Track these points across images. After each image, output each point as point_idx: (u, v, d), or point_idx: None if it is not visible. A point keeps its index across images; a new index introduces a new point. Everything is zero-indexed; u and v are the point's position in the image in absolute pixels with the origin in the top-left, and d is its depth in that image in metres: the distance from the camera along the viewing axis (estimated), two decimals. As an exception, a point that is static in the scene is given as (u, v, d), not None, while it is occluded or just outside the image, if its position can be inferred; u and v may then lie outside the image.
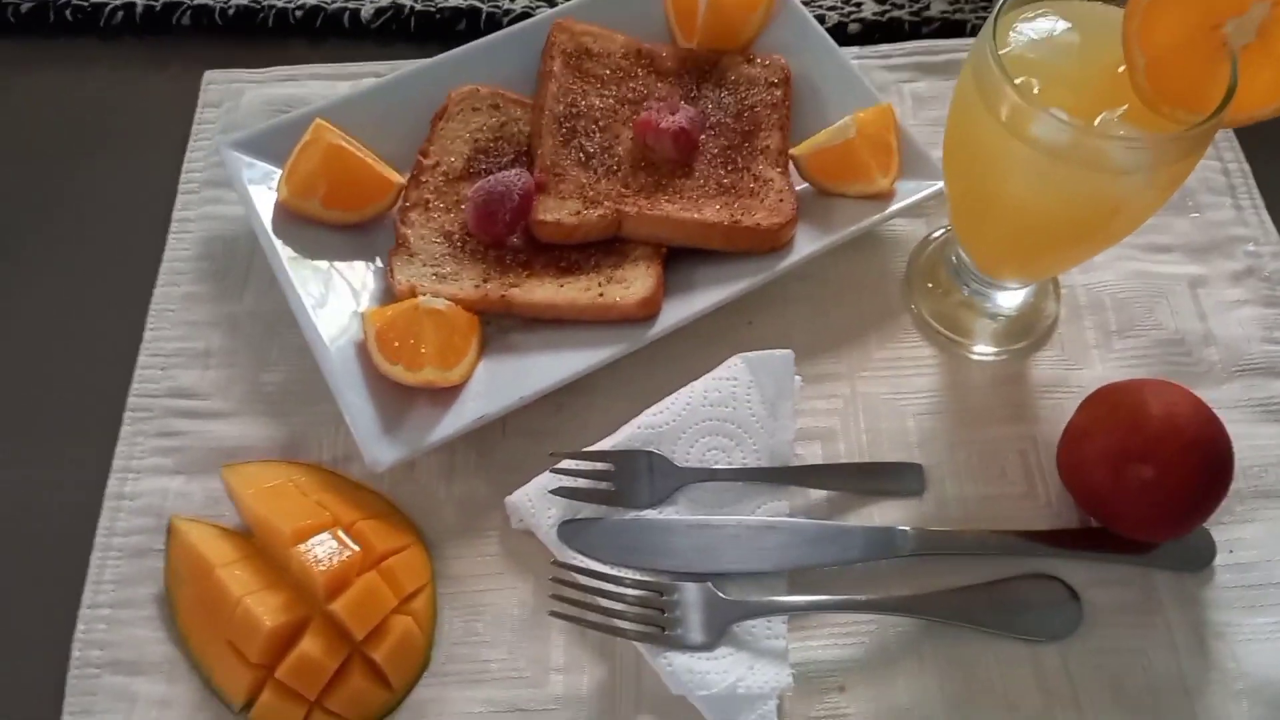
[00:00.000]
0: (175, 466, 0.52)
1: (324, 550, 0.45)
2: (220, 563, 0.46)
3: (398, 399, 0.51)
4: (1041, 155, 0.43)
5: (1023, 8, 0.46)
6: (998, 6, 0.44)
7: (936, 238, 0.59)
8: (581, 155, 0.58)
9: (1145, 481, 0.45)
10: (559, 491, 0.49)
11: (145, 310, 0.57)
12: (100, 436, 0.53)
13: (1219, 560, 0.49)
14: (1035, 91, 0.44)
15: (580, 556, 0.48)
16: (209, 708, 0.46)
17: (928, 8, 0.68)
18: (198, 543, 0.47)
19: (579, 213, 0.56)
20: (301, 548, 0.45)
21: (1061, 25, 0.46)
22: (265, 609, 0.44)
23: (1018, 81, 0.42)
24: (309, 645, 0.44)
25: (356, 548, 0.46)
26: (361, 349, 0.53)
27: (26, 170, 0.64)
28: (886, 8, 0.68)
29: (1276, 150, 0.61)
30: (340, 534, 0.47)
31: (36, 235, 0.61)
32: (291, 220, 0.57)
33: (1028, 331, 0.56)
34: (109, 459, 0.53)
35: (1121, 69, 0.43)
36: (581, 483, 0.50)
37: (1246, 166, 0.61)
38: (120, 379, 0.55)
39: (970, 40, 0.66)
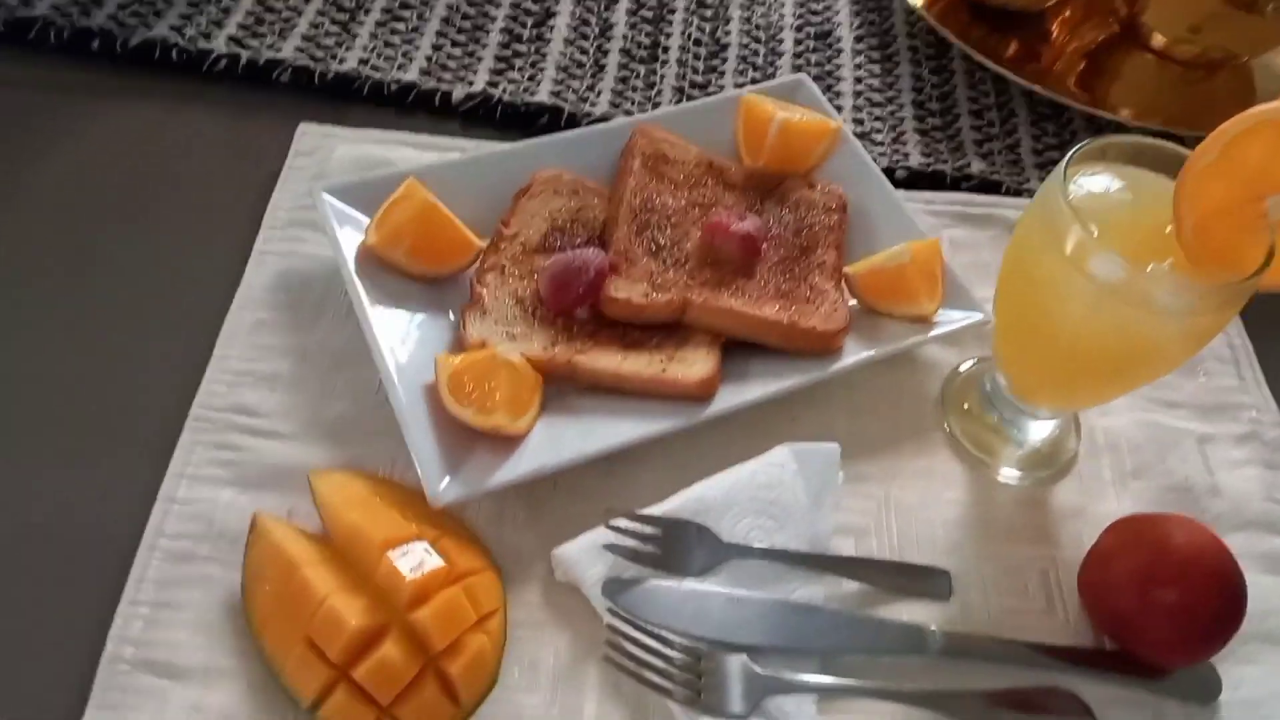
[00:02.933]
0: (229, 479, 0.53)
1: (411, 560, 0.46)
2: (306, 561, 0.47)
3: (460, 442, 0.53)
4: (1097, 289, 0.47)
5: (1084, 164, 0.51)
6: (1065, 159, 0.49)
7: (970, 366, 0.63)
8: (653, 245, 0.62)
9: (1169, 605, 0.48)
10: (611, 548, 0.51)
11: (218, 331, 0.59)
12: (160, 444, 0.54)
13: (1225, 696, 0.52)
14: (1094, 235, 0.49)
15: (628, 615, 0.49)
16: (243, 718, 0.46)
17: (968, 165, 0.75)
18: (283, 540, 0.48)
19: (648, 294, 0.59)
20: (391, 555, 0.46)
21: (1116, 184, 0.51)
22: (350, 610, 0.45)
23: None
24: (390, 650, 0.44)
25: (441, 562, 0.47)
26: (429, 391, 0.55)
27: (120, 191, 0.67)
28: (931, 160, 0.75)
29: (1273, 328, 0.67)
30: (427, 547, 0.48)
31: (122, 254, 0.63)
32: (373, 264, 0.59)
33: (1051, 462, 0.60)
34: (164, 466, 0.53)
35: (1168, 229, 0.48)
36: (631, 543, 0.51)
37: (1249, 342, 0.67)
38: (186, 392, 0.56)
39: (1006, 199, 0.73)
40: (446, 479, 0.51)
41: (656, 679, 0.47)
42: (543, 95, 0.75)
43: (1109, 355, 0.51)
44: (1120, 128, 0.80)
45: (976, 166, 0.75)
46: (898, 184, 0.73)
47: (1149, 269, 0.48)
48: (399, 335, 0.57)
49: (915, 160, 0.75)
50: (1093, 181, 0.51)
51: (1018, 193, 0.73)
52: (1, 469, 0.53)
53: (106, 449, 0.54)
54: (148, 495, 0.52)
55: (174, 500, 0.52)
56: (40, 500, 0.52)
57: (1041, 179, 0.65)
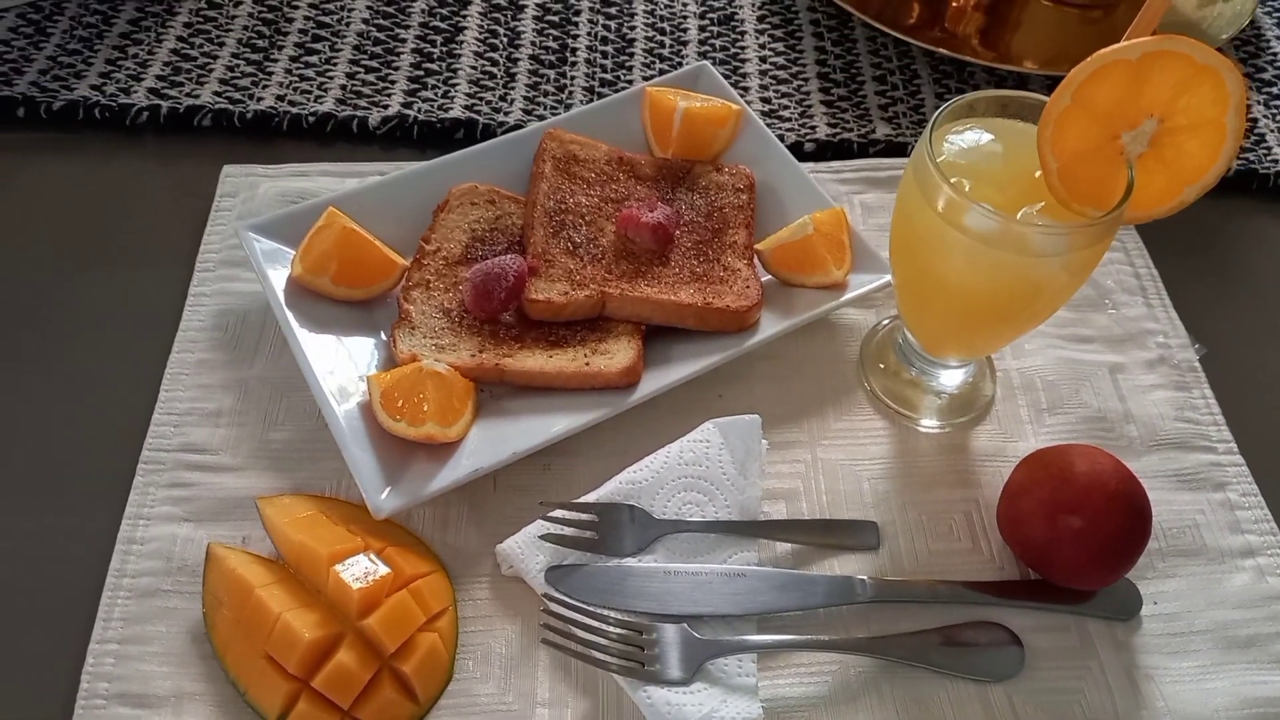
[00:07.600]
0: (185, 515, 0.56)
1: (358, 571, 0.50)
2: (259, 584, 0.50)
3: (398, 455, 0.56)
4: (974, 242, 0.50)
5: (953, 122, 0.54)
6: (933, 120, 0.52)
7: (885, 325, 0.66)
8: (569, 245, 0.65)
9: (1075, 530, 0.51)
10: (547, 538, 0.53)
11: (161, 375, 0.62)
12: (114, 489, 0.57)
13: (1145, 610, 0.55)
14: (967, 189, 0.51)
15: (566, 598, 0.52)
16: (213, 738, 0.49)
17: (874, 131, 0.77)
18: (236, 566, 0.51)
19: (567, 293, 0.62)
20: (338, 568, 0.49)
21: (986, 137, 0.54)
22: (303, 624, 0.48)
23: (952, 181, 0.50)
24: (344, 657, 0.48)
25: (387, 569, 0.50)
26: (365, 410, 0.57)
27: (55, 247, 0.69)
28: (837, 130, 0.77)
29: (1179, 254, 0.70)
30: (372, 557, 0.51)
31: (62, 306, 0.66)
32: (303, 295, 0.62)
33: (968, 408, 0.63)
34: (121, 509, 0.56)
35: (1038, 173, 0.51)
36: (568, 531, 0.54)
37: (1155, 270, 0.69)
38: (135, 436, 0.59)
39: (912, 159, 0.75)
40: (386, 491, 0.54)
41: (596, 654, 0.49)
42: (457, 110, 0.77)
43: (997, 301, 0.54)
44: (1023, 80, 0.82)
45: (882, 131, 0.77)
46: (807, 156, 0.76)
47: (1020, 214, 0.51)
48: (332, 361, 0.60)
49: (823, 131, 0.77)
50: (964, 138, 0.54)
51: (923, 152, 0.76)
52: (-34, 530, 0.56)
53: (65, 498, 0.57)
54: (108, 536, 0.55)
55: (133, 541, 0.55)
56: (3, 553, 0.55)
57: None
